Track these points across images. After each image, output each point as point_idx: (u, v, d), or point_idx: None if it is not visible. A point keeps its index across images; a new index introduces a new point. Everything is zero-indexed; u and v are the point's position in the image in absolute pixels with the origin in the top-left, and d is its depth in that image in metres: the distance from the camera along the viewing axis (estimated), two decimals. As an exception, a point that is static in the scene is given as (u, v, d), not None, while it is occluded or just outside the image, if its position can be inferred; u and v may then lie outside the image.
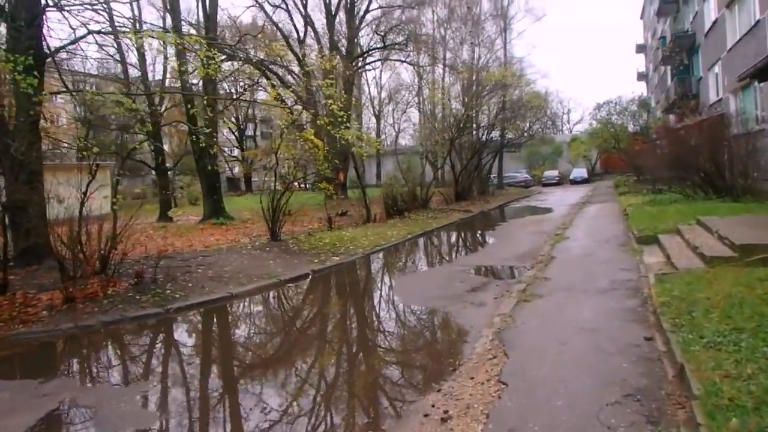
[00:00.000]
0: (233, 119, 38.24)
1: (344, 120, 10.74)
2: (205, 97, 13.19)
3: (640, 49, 45.34)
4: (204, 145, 10.43)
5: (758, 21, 12.32)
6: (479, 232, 14.55)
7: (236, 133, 39.78)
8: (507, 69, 26.61)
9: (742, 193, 12.20)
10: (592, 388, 3.53)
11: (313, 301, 7.61)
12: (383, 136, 41.57)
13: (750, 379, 3.10)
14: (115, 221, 7.33)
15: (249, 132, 44.32)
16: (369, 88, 41.11)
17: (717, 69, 17.28)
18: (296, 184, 18.17)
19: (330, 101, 11.04)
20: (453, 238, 13.73)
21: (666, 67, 28.63)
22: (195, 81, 16.67)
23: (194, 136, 11.96)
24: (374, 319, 6.51)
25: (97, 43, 8.99)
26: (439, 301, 6.41)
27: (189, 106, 13.33)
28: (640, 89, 45.30)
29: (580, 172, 39.54)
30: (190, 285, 7.41)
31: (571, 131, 52.61)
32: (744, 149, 12.31)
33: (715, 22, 16.81)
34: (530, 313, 5.40)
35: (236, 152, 40.23)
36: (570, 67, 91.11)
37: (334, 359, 4.98)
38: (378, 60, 28.58)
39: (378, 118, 41.33)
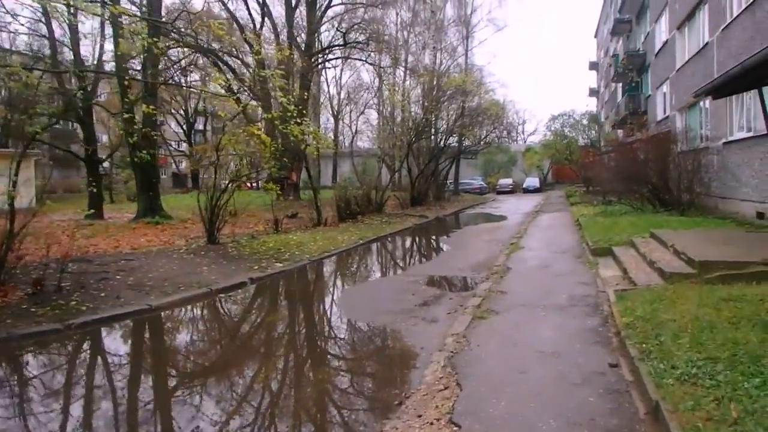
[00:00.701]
0: (181, 112, 35.99)
1: (294, 115, 9.89)
2: (127, 78, 11.78)
3: (593, 66, 47.54)
4: (123, 131, 9.19)
5: (707, 43, 12.67)
6: (434, 238, 14.12)
7: (184, 127, 37.44)
8: (468, 75, 26.63)
9: (688, 207, 12.52)
10: (558, 430, 2.99)
11: (246, 315, 6.66)
12: (341, 137, 40.59)
13: (737, 425, 2.66)
14: (12, 217, 6.24)
15: (200, 126, 41.92)
16: (328, 86, 40.16)
17: (665, 88, 17.91)
18: (248, 183, 17.00)
19: (280, 93, 10.21)
20: (407, 245, 13.19)
21: (617, 84, 29.89)
22: (139, 67, 15.08)
23: (123, 124, 10.62)
24: (313, 339, 5.76)
25: (8, 12, 7.53)
26: (387, 317, 5.76)
27: (120, 88, 11.79)
28: (592, 104, 47.31)
29: (533, 181, 40.69)
30: (102, 295, 6.38)
31: (525, 141, 54.27)
32: (691, 165, 12.65)
33: (665, 43, 17.38)
34: (486, 333, 4.87)
35: (183, 146, 37.82)
36: (526, 79, 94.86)
37: (259, 390, 4.18)
38: (338, 58, 27.78)
39: (336, 118, 40.36)
